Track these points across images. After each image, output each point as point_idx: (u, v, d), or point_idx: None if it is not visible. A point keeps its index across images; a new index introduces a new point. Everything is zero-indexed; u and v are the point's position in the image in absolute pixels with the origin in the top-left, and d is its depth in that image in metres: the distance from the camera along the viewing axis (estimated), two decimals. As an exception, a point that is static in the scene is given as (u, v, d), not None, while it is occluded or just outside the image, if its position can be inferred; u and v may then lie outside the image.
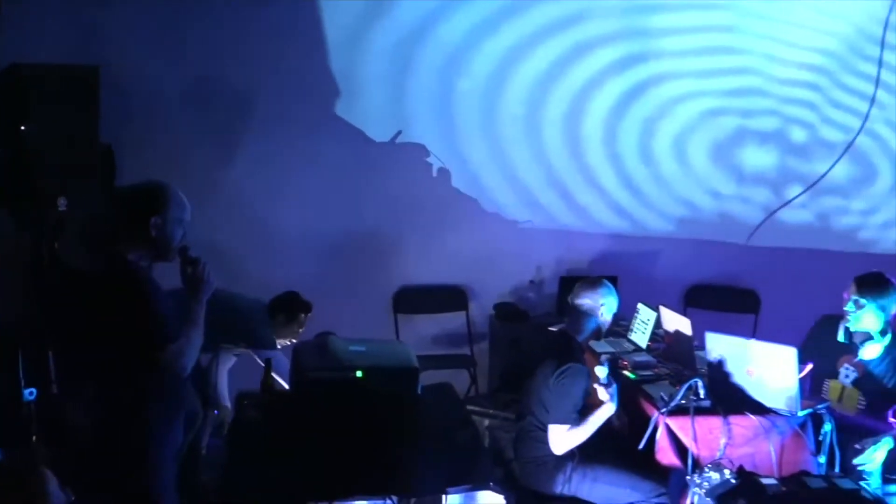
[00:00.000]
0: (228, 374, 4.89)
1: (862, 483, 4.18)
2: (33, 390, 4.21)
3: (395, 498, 4.30)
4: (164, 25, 5.56)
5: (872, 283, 4.56)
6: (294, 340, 4.87)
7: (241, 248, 5.58)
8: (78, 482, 2.60)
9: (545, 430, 4.32)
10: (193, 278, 3.38)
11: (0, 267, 4.67)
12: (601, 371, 4.33)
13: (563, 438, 4.26)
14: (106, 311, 3.30)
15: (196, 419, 3.93)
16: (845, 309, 4.59)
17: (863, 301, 4.51)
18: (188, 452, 3.87)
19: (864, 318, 4.53)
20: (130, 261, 3.37)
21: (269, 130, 5.74)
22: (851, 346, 4.62)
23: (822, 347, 4.72)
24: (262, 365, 4.36)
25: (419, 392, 4.10)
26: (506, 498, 4.48)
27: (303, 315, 4.93)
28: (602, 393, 4.29)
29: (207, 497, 4.25)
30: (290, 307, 4.90)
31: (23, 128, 4.41)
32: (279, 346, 4.84)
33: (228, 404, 4.72)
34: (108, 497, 3.25)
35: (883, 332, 4.56)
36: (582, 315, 4.53)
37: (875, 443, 4.42)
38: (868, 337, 4.57)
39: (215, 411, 4.69)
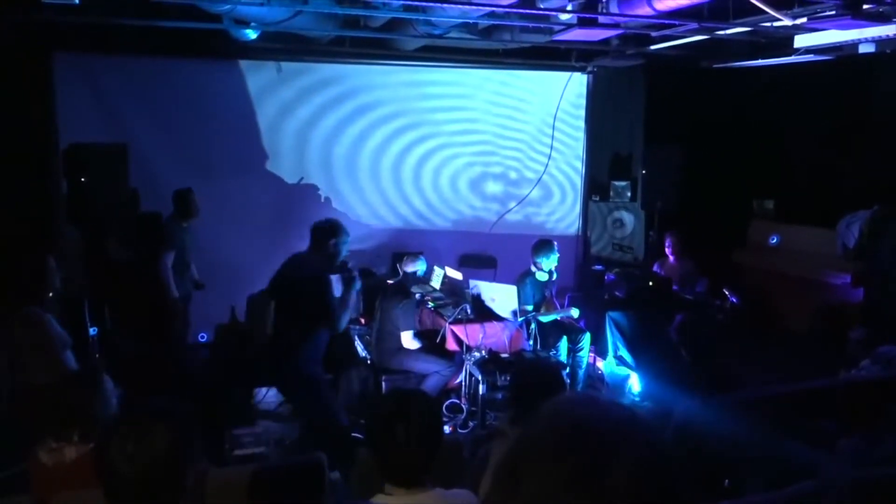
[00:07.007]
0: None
1: (552, 353, 4.52)
2: (95, 329, 4.07)
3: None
4: (170, 114, 5.37)
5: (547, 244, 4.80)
6: (192, 220, 4.71)
7: (222, 236, 5.43)
8: (125, 382, 2.45)
9: (393, 334, 4.40)
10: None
11: (70, 258, 4.47)
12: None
13: (408, 340, 4.40)
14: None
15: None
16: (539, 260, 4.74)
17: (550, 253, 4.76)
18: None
19: (551, 261, 4.77)
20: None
21: (236, 175, 5.63)
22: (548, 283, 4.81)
23: (530, 284, 4.82)
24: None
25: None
26: (371, 371, 4.57)
27: (193, 212, 4.70)
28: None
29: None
30: (183, 200, 4.71)
31: (83, 179, 4.37)
32: (185, 224, 4.67)
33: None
34: (150, 384, 3.15)
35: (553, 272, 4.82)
36: (408, 273, 4.68)
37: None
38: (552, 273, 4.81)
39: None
